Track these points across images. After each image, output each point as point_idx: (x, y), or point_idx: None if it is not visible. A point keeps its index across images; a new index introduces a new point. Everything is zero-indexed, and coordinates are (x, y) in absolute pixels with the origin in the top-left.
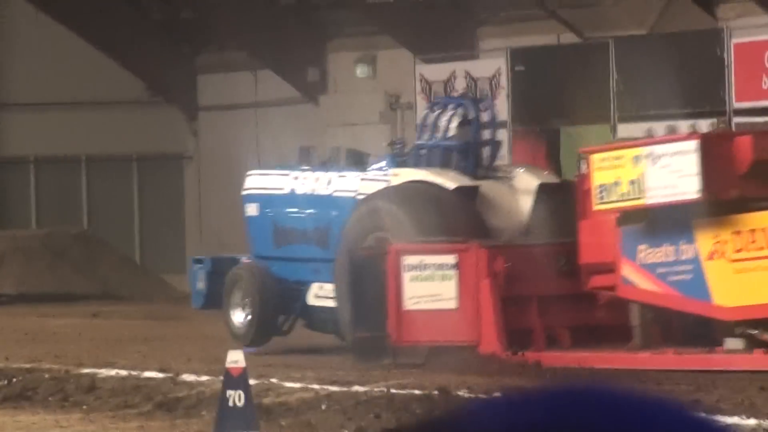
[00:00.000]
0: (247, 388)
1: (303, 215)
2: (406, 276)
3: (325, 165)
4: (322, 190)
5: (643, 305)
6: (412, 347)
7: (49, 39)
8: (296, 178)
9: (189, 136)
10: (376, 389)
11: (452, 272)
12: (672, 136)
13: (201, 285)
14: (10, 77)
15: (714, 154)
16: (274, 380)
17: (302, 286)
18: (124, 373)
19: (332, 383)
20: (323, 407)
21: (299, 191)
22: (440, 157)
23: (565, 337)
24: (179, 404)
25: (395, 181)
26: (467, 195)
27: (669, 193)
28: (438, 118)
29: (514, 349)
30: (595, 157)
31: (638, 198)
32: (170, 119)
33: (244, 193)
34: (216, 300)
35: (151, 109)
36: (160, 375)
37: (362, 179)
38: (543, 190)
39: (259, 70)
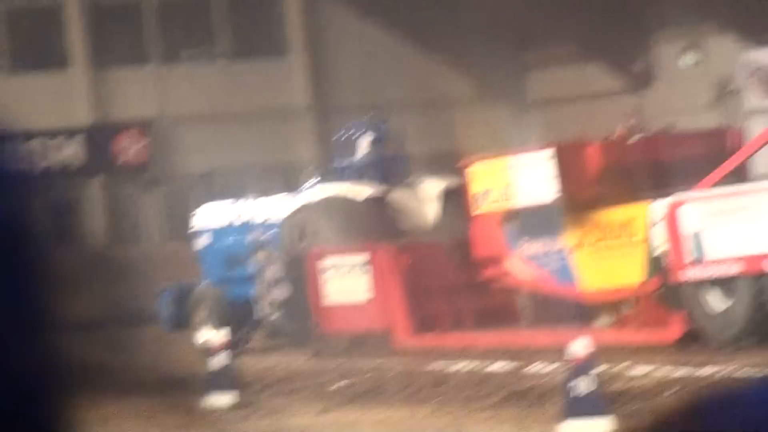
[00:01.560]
0: (592, 375)
1: (249, 240)
2: (326, 275)
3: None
4: (263, 216)
5: (528, 292)
6: (334, 337)
7: (373, 41)
8: (237, 208)
9: (518, 134)
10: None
11: (364, 269)
12: (531, 147)
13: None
14: (338, 79)
15: (568, 162)
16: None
17: (255, 301)
18: (471, 365)
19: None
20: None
21: (243, 219)
22: (355, 173)
23: (468, 320)
24: (528, 394)
25: (316, 198)
26: (377, 203)
27: (534, 196)
28: (349, 139)
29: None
30: (471, 169)
31: (508, 201)
32: (500, 116)
33: (195, 228)
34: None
35: (479, 107)
36: (508, 365)
37: (291, 199)
38: (447, 193)
39: (585, 63)
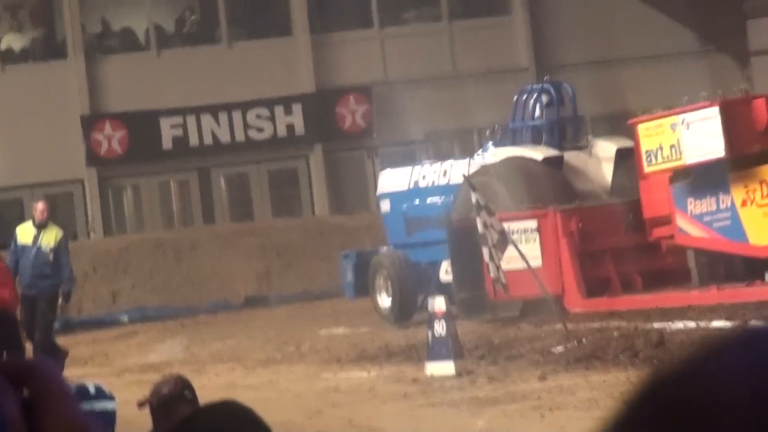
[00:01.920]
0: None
1: (427, 204)
2: None
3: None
4: (440, 180)
5: (696, 250)
6: (507, 302)
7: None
8: (418, 173)
9: (741, 83)
10: None
11: (535, 235)
12: (697, 104)
13: (350, 277)
14: (560, 38)
15: (734, 117)
16: None
17: (434, 266)
18: (692, 325)
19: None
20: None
21: (421, 184)
22: (531, 135)
23: (637, 282)
24: None
25: (492, 161)
26: (554, 164)
27: (702, 153)
28: (526, 102)
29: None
30: (641, 128)
31: (678, 159)
32: (722, 66)
33: (378, 192)
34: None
35: (702, 58)
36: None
37: (468, 164)
38: (620, 154)
39: None
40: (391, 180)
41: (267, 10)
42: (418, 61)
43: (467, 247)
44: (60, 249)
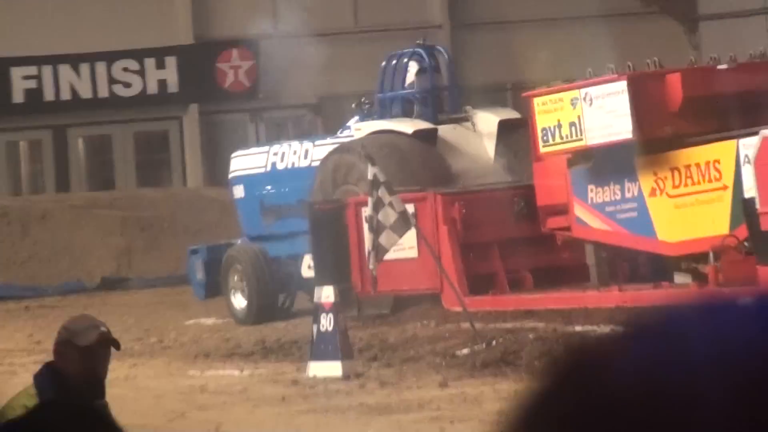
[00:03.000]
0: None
1: (286, 190)
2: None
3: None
4: (301, 162)
5: (596, 245)
6: (377, 298)
7: None
8: (275, 153)
9: (688, 50)
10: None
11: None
12: (603, 78)
13: (200, 275)
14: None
15: (644, 94)
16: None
17: (295, 260)
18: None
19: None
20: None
21: (279, 167)
22: (401, 107)
23: (528, 280)
24: None
25: (358, 135)
26: (426, 139)
27: (606, 134)
28: (395, 70)
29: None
30: (537, 101)
31: (579, 140)
32: (667, 32)
33: (230, 176)
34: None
35: (645, 21)
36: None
37: (331, 142)
38: (504, 127)
39: None
40: (246, 162)
41: None
42: (313, 12)
43: (331, 234)
44: None
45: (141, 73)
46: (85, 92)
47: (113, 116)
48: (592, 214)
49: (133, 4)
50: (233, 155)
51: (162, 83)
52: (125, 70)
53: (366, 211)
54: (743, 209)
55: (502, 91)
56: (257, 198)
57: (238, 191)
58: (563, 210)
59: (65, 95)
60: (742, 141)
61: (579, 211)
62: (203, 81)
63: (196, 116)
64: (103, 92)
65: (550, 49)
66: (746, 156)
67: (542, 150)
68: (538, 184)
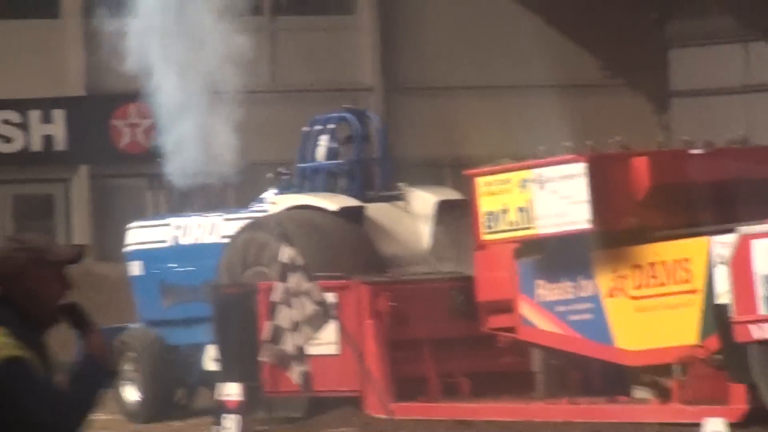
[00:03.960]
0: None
1: (189, 269)
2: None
3: (209, 207)
4: (207, 237)
5: (545, 349)
6: (289, 398)
7: (472, 4)
8: (178, 227)
9: (657, 130)
10: None
11: (332, 312)
12: (558, 158)
13: None
14: (420, 51)
15: (605, 178)
16: None
17: (197, 350)
18: None
19: None
20: None
21: (183, 242)
22: (324, 180)
23: (464, 386)
24: None
25: (273, 210)
26: (352, 218)
27: (560, 222)
28: (318, 136)
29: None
30: (481, 181)
31: (529, 227)
32: (633, 108)
33: (125, 250)
34: None
35: (608, 94)
36: None
37: (243, 216)
38: (442, 208)
39: (750, 42)
40: (143, 234)
41: None
42: (225, 65)
43: (238, 323)
44: None
45: (24, 126)
46: None
47: None
48: (540, 313)
49: (17, 47)
50: (129, 226)
51: (48, 139)
52: (5, 122)
53: (273, 297)
54: (715, 317)
55: (441, 167)
56: (156, 277)
57: (135, 268)
58: (507, 307)
59: None
60: (716, 238)
61: (525, 309)
62: (95, 139)
63: (86, 179)
64: None
65: (497, 121)
66: (720, 256)
67: (485, 237)
68: (480, 276)
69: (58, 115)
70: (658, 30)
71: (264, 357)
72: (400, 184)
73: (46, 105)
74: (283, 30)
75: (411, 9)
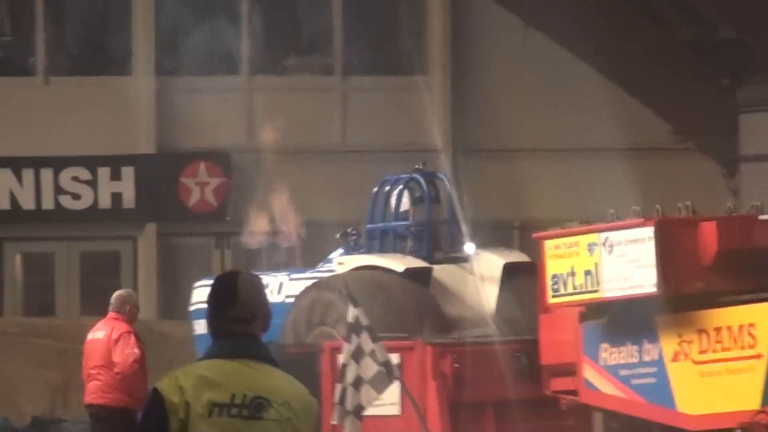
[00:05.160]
0: None
1: None
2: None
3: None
4: (273, 297)
5: (607, 412)
6: None
7: (541, 67)
8: None
9: (726, 194)
10: None
11: (396, 372)
12: (626, 222)
13: None
14: (490, 113)
15: (673, 243)
16: None
17: None
18: None
19: None
20: None
21: None
22: (392, 241)
23: None
24: None
25: (340, 270)
26: (419, 280)
27: (626, 286)
28: (388, 197)
29: None
30: (549, 244)
31: (594, 291)
32: (703, 172)
33: (191, 308)
34: None
35: (678, 158)
36: None
37: (309, 276)
38: (509, 271)
39: None
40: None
41: (100, 40)
42: (296, 125)
43: (302, 383)
44: None
45: (92, 183)
46: (27, 202)
47: (58, 232)
48: (603, 377)
49: (87, 104)
50: (195, 285)
51: (116, 197)
52: (74, 179)
53: (341, 358)
54: None
55: (509, 229)
56: None
57: (200, 327)
58: (570, 371)
59: (3, 204)
60: None
61: (589, 372)
62: (164, 197)
63: (153, 237)
64: (48, 203)
65: (565, 184)
66: None
67: (551, 300)
68: (544, 339)
69: (127, 172)
70: (729, 94)
71: (334, 420)
72: (468, 245)
73: (115, 162)
74: (354, 90)
75: (481, 71)
